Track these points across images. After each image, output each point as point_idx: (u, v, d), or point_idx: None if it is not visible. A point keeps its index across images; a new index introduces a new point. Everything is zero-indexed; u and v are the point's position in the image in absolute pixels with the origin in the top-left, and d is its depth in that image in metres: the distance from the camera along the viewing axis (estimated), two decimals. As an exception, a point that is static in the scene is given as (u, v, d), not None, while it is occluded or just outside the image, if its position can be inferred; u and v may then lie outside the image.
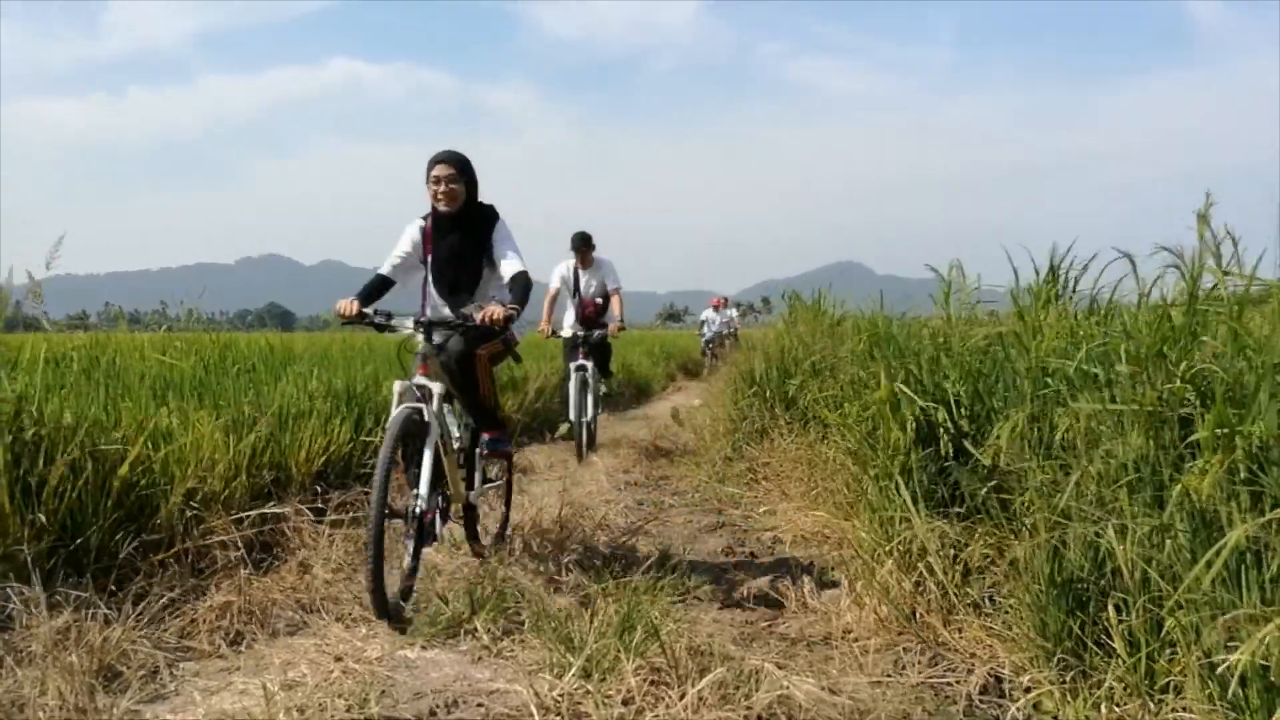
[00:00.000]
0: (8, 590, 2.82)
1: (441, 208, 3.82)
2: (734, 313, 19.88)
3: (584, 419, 7.24)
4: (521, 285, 3.70)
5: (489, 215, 3.92)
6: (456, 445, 3.77)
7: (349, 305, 3.62)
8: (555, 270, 7.68)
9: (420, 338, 3.57)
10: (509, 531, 4.31)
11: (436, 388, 3.47)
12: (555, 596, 3.38)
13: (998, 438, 2.82)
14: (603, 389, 7.88)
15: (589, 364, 7.30)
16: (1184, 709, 1.99)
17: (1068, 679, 2.31)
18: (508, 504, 4.45)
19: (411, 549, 3.34)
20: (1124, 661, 2.16)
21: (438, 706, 2.47)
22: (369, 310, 3.62)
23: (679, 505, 5.53)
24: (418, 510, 3.28)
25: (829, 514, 4.21)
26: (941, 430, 3.33)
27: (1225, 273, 2.28)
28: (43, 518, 3.01)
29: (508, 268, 3.75)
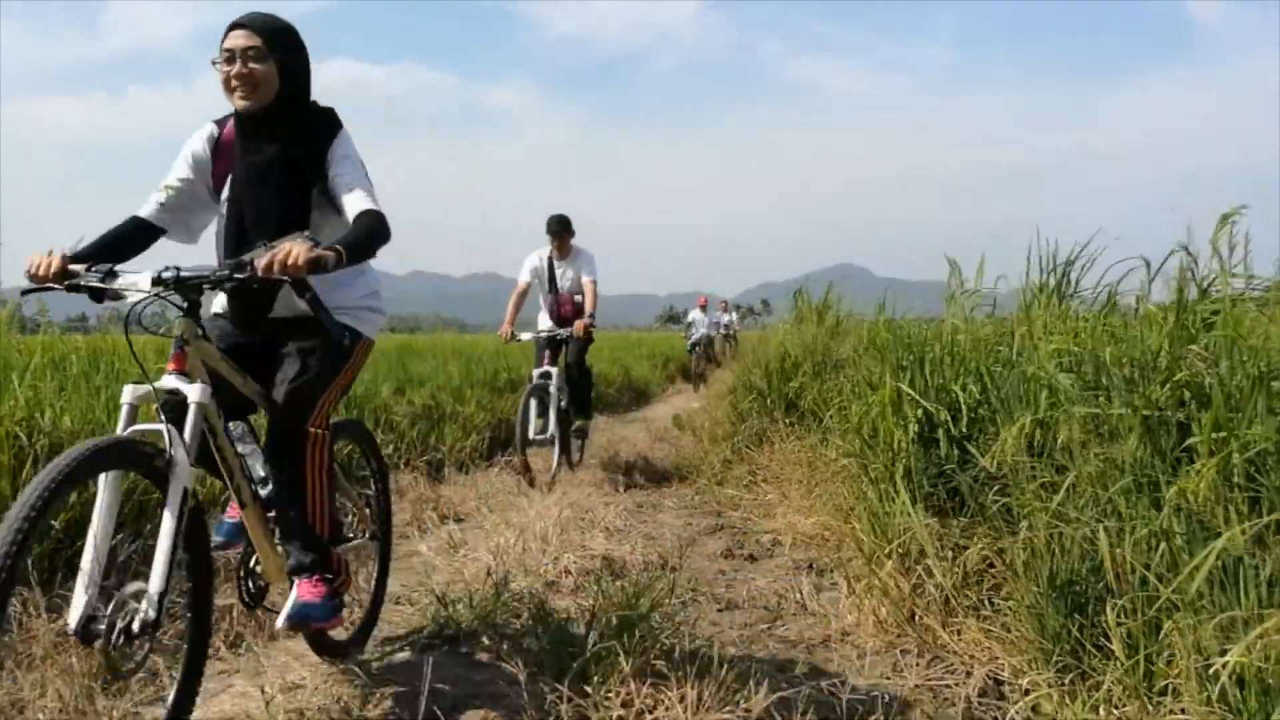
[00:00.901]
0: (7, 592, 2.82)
1: (238, 102, 2.36)
2: (733, 316, 19.78)
3: (542, 434, 6.02)
4: (365, 227, 2.25)
5: (324, 121, 2.48)
6: (265, 487, 2.43)
7: (44, 260, 2.12)
8: (525, 261, 6.55)
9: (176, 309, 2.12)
10: (374, 631, 3.00)
11: (195, 393, 2.05)
12: (555, 598, 3.38)
13: (1002, 441, 2.82)
14: (575, 425, 6.56)
15: (554, 370, 6.18)
16: (1182, 711, 1.99)
17: (1066, 681, 2.31)
18: (377, 597, 3.02)
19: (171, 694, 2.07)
20: (1122, 664, 2.17)
21: (437, 709, 2.48)
22: (78, 268, 2.13)
23: (678, 508, 5.54)
24: (138, 620, 1.86)
25: (828, 516, 4.21)
26: (942, 432, 3.34)
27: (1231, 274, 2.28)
28: (47, 524, 3.02)
29: (351, 204, 2.34)
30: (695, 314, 18.54)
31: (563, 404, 6.27)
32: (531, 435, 5.95)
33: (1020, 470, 2.77)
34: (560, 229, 6.38)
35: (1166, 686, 2.07)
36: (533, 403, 6.00)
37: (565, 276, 6.47)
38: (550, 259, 6.48)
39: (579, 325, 6.17)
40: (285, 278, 2.02)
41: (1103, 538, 2.25)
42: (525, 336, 6.37)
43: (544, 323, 6.56)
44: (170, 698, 2.09)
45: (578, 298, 6.42)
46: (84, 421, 3.42)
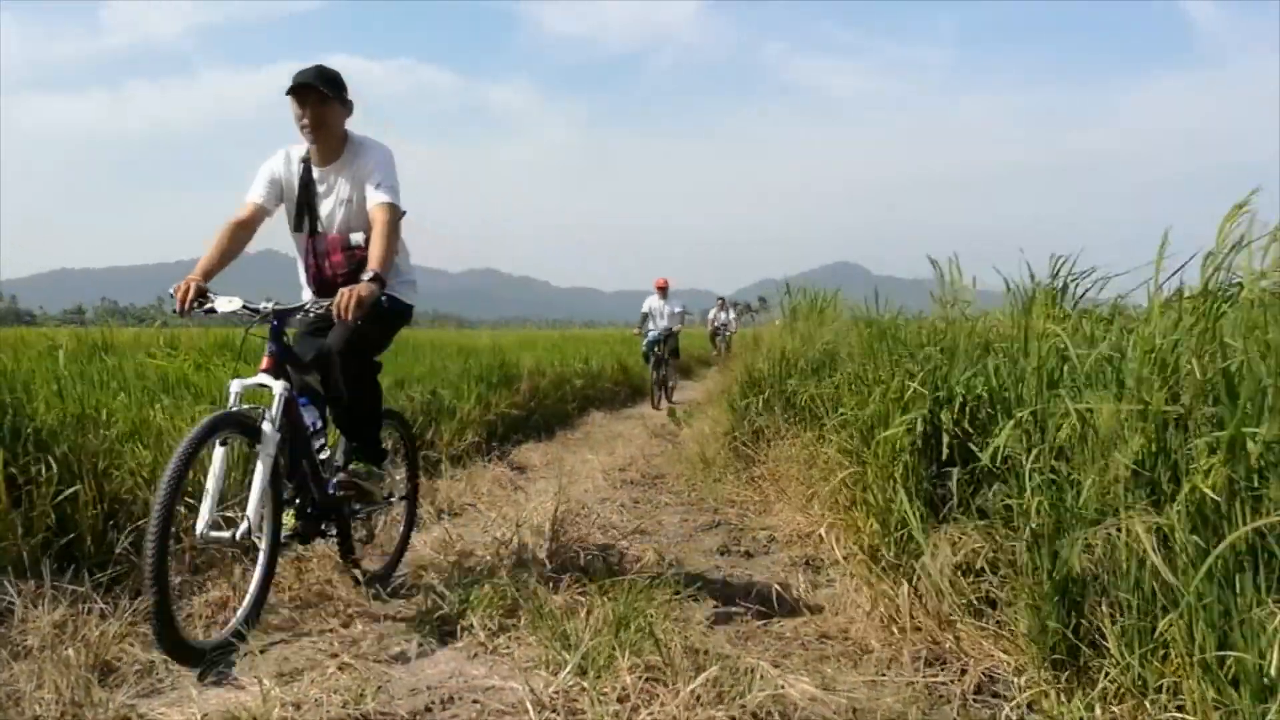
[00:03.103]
0: (4, 584, 2.82)
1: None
2: (731, 314, 19.49)
3: (221, 531, 2.70)
4: None
5: None
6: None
7: None
8: (263, 167, 3.31)
9: None
10: None
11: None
12: (551, 594, 3.38)
13: (999, 437, 2.81)
14: (392, 486, 3.73)
15: (280, 387, 2.94)
16: (1179, 709, 2.00)
17: (1063, 679, 2.32)
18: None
19: None
20: (1119, 662, 2.17)
21: (433, 703, 2.48)
22: None
23: (675, 504, 5.54)
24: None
25: (826, 513, 4.21)
26: (935, 428, 3.33)
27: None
28: (38, 514, 3.02)
29: None
30: (652, 301, 13.36)
31: (322, 454, 3.29)
32: (201, 527, 2.68)
33: (1021, 467, 2.77)
34: (316, 81, 3.14)
35: (1163, 684, 2.07)
36: (216, 458, 2.77)
37: (332, 197, 3.30)
38: (307, 163, 3.30)
39: (345, 296, 2.84)
40: None
41: (1121, 529, 2.23)
42: (227, 306, 3.02)
43: (305, 293, 3.41)
44: None
45: (356, 238, 3.27)
46: (74, 413, 3.42)
